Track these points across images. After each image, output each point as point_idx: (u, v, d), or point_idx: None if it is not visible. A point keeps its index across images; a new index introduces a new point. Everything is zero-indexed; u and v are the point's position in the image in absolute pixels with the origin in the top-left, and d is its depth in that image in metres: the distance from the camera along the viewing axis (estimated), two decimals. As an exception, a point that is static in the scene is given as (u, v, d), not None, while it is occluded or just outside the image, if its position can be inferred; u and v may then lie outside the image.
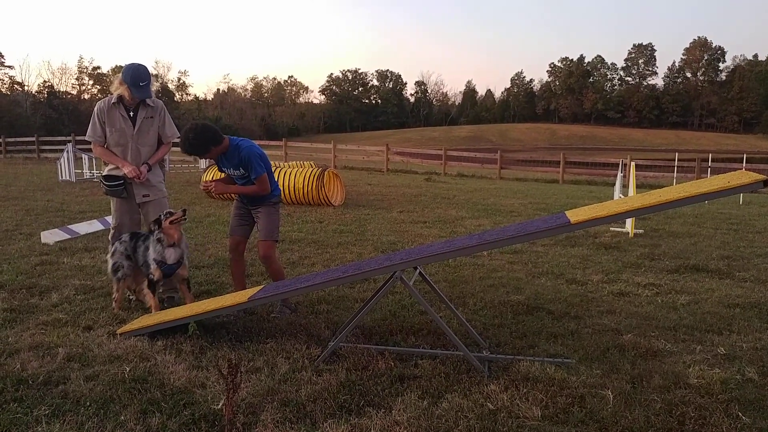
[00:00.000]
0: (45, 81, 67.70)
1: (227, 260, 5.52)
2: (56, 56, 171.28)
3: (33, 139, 27.55)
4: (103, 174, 4.49)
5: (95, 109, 4.42)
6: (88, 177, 15.64)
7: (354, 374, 3.21)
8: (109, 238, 4.66)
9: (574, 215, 3.23)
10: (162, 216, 4.17)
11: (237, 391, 2.68)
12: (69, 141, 21.42)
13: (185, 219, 4.23)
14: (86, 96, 75.77)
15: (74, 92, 74.45)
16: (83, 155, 16.59)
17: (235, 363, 2.65)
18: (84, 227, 7.52)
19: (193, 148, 4.02)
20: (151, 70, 4.38)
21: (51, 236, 6.83)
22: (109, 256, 4.45)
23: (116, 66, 79.42)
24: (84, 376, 3.12)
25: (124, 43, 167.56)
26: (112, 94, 4.39)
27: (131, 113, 4.36)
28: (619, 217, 3.05)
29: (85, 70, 78.27)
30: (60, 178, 14.92)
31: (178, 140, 4.33)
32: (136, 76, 4.21)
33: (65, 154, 15.10)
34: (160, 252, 4.12)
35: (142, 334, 3.72)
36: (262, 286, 4.19)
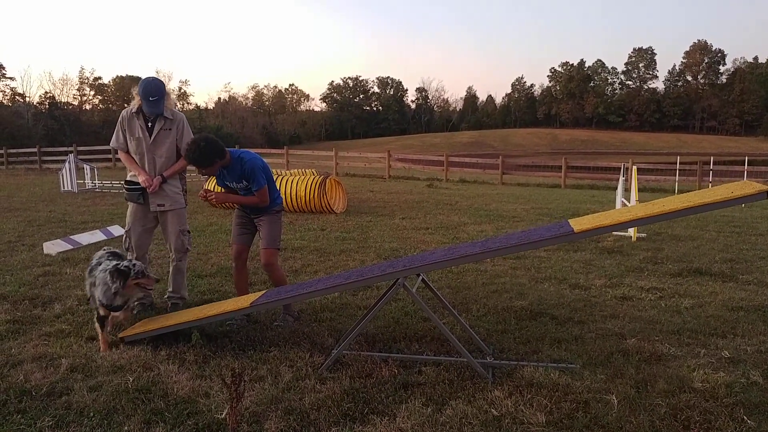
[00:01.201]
0: (46, 92, 68.09)
1: (230, 269, 5.54)
2: (57, 67, 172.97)
3: (35, 150, 27.58)
4: (126, 179, 4.60)
5: (119, 117, 4.55)
6: (90, 187, 15.69)
7: (358, 382, 3.21)
8: (122, 243, 4.74)
9: (578, 224, 3.23)
10: (131, 270, 3.73)
11: (240, 400, 2.68)
12: (71, 152, 21.47)
13: (152, 289, 3.99)
14: (87, 107, 76.25)
15: (75, 103, 74.87)
16: (85, 166, 16.64)
17: (239, 372, 2.65)
18: (86, 237, 7.54)
19: (202, 157, 3.94)
20: (165, 88, 4.41)
21: (53, 247, 6.85)
22: None
23: (117, 77, 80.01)
24: (87, 387, 3.12)
25: (126, 53, 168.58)
26: (132, 105, 4.51)
27: (149, 124, 4.44)
28: (622, 226, 3.07)
29: (86, 81, 78.72)
30: (62, 188, 14.96)
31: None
32: (147, 91, 4.28)
33: (67, 164, 15.14)
34: (110, 298, 3.69)
35: (144, 337, 3.73)
36: (264, 292, 4.19)
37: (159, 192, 4.48)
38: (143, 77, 4.47)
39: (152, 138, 4.43)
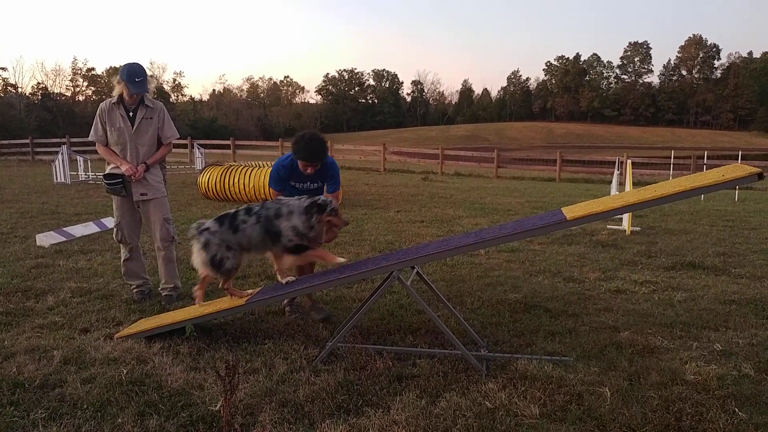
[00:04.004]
0: (39, 83, 67.52)
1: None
2: (50, 57, 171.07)
3: (27, 141, 27.41)
4: (105, 173, 4.56)
5: (98, 109, 4.52)
6: (83, 179, 15.59)
7: (352, 374, 3.21)
8: (113, 236, 4.73)
9: (570, 212, 3.23)
10: (327, 206, 3.71)
11: (235, 393, 2.67)
12: (64, 143, 21.30)
13: (340, 227, 3.95)
14: (81, 97, 75.71)
15: (68, 94, 74.32)
16: (78, 157, 16.52)
17: (233, 364, 2.64)
18: (79, 229, 7.51)
19: (323, 149, 4.04)
20: (147, 71, 4.44)
21: (46, 239, 6.81)
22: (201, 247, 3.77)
23: (110, 67, 79.23)
24: (81, 379, 3.11)
25: (119, 44, 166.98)
26: (113, 95, 4.47)
27: (130, 113, 4.44)
28: (614, 213, 3.05)
29: (79, 72, 78.10)
30: (55, 180, 14.86)
31: (178, 141, 4.35)
32: (132, 72, 4.32)
33: (60, 156, 15.04)
34: (306, 228, 3.66)
35: (139, 338, 3.71)
36: (260, 288, 4.18)
37: (141, 181, 4.48)
38: (123, 64, 4.49)
39: (135, 127, 4.43)
